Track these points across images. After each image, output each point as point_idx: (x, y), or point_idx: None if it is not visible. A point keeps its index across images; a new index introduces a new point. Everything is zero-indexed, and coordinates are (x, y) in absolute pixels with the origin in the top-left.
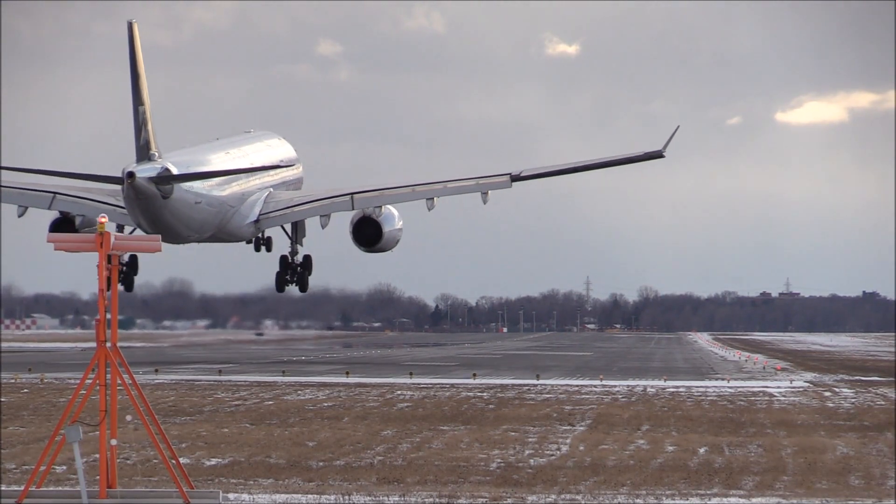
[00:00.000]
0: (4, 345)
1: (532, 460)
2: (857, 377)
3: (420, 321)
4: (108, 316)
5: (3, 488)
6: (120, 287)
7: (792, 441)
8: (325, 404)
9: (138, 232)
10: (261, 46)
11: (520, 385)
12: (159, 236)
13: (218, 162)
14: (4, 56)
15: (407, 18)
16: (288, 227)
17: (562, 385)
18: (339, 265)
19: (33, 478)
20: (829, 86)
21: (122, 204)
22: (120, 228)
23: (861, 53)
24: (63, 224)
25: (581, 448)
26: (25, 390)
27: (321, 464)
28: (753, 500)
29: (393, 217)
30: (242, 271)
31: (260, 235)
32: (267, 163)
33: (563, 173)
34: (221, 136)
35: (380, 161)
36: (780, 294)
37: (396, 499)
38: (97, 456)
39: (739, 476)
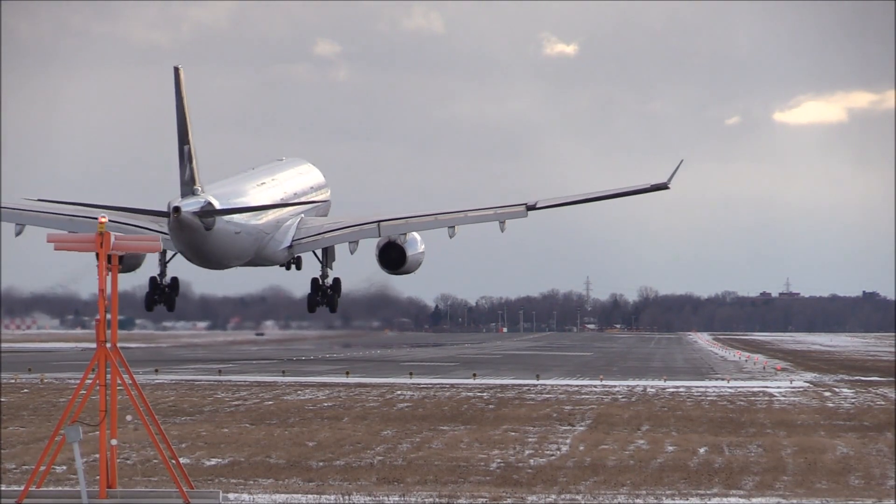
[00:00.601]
0: (4, 345)
1: (532, 460)
2: (857, 377)
3: (420, 321)
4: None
5: (3, 488)
6: (162, 306)
7: (792, 441)
8: (325, 404)
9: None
10: (259, 46)
11: (520, 385)
12: (159, 236)
13: (254, 193)
14: (3, 56)
15: (405, 18)
16: (319, 251)
17: (562, 385)
18: (339, 265)
19: (33, 478)
20: (828, 86)
21: (165, 230)
22: (163, 254)
23: (859, 53)
24: None
25: (581, 448)
26: (25, 390)
27: (321, 464)
28: (753, 500)
29: (416, 241)
30: (243, 272)
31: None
32: (299, 189)
33: (575, 203)
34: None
35: (378, 161)
36: (780, 294)
37: (396, 499)
38: (97, 456)
39: (739, 476)
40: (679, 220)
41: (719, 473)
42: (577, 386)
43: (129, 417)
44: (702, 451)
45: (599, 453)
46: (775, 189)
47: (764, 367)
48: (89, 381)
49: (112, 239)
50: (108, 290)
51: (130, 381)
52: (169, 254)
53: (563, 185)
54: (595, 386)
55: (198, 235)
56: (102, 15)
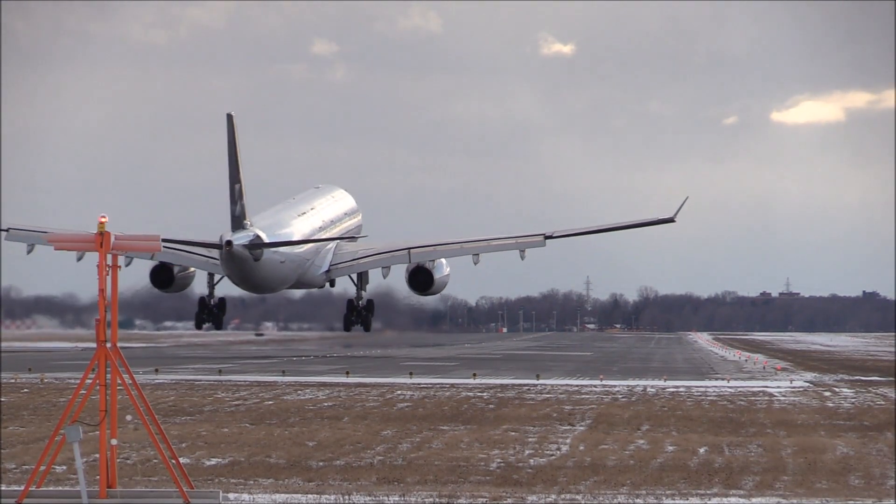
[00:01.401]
0: (4, 345)
1: (532, 460)
2: (857, 377)
3: (420, 322)
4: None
5: (3, 488)
6: (210, 325)
7: (792, 441)
8: (325, 404)
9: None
10: (256, 46)
11: (520, 385)
12: (159, 236)
13: (296, 223)
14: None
15: (403, 18)
16: (354, 275)
17: (562, 385)
18: None
19: (33, 478)
20: (825, 86)
21: (214, 255)
22: (211, 276)
23: (857, 53)
24: (161, 271)
25: (581, 448)
26: (25, 390)
27: (321, 464)
28: (753, 500)
29: (442, 265)
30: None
31: None
32: (334, 215)
33: (590, 233)
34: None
35: (376, 161)
36: (780, 294)
37: (396, 499)
38: (97, 456)
39: (739, 476)
40: (678, 220)
41: (719, 473)
42: (577, 386)
43: (129, 417)
44: (702, 451)
45: (599, 453)
46: (774, 189)
47: (764, 367)
48: (89, 381)
49: (112, 239)
50: (108, 290)
51: (130, 381)
52: (203, 274)
53: (562, 186)
54: (595, 386)
55: (247, 265)
56: (100, 15)
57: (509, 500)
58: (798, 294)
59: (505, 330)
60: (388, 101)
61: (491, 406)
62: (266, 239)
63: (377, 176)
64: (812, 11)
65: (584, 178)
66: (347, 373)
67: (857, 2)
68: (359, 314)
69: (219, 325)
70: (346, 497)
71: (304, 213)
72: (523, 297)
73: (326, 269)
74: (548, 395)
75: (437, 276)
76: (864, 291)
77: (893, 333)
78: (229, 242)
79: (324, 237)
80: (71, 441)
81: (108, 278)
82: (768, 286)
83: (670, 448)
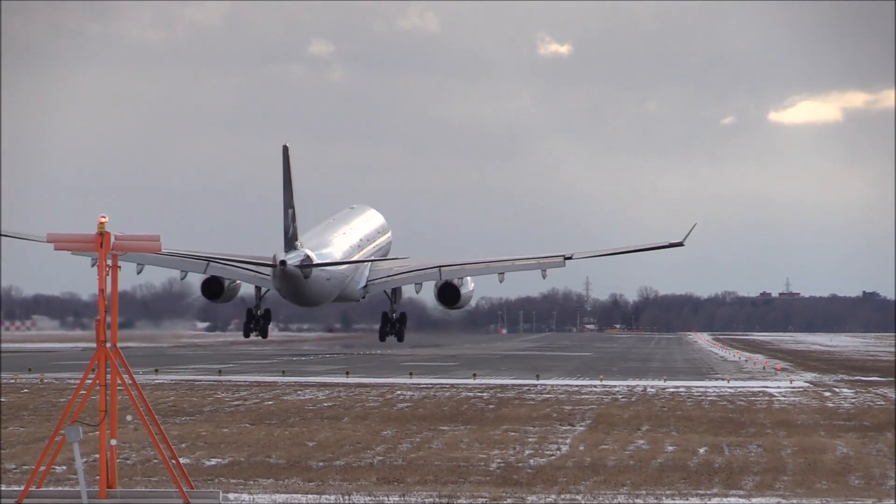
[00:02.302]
0: (4, 345)
1: (532, 460)
2: (857, 377)
3: (420, 322)
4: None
5: (3, 488)
6: (256, 335)
7: (792, 441)
8: (325, 404)
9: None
10: (253, 46)
11: (520, 385)
12: (159, 236)
13: (337, 241)
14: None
15: (400, 18)
16: (388, 290)
17: (562, 385)
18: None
19: (33, 478)
20: (823, 86)
21: (261, 270)
22: (258, 289)
23: (854, 53)
24: (211, 283)
25: (581, 448)
26: (25, 390)
27: (321, 464)
28: (753, 500)
29: (467, 281)
30: None
31: None
32: (368, 233)
33: (607, 255)
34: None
35: (374, 161)
36: (780, 294)
37: (396, 499)
38: (97, 456)
39: (739, 476)
40: (678, 220)
41: (719, 473)
42: (577, 386)
43: (129, 417)
44: (702, 451)
45: (599, 453)
46: (773, 189)
47: (764, 367)
48: (89, 381)
49: (112, 239)
50: (108, 289)
51: (130, 381)
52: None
53: (560, 185)
54: (595, 386)
55: (297, 282)
56: (97, 15)
57: (509, 500)
58: (798, 294)
59: (505, 331)
60: (385, 101)
61: (491, 406)
62: (315, 259)
63: (374, 176)
64: (809, 11)
65: (581, 178)
66: (347, 373)
67: (854, 2)
68: (392, 325)
69: (265, 334)
70: (346, 497)
71: (345, 232)
72: (523, 297)
73: (364, 284)
74: (548, 396)
75: (463, 291)
76: (864, 291)
77: (893, 333)
78: (283, 262)
79: (360, 254)
80: (71, 441)
81: (109, 278)
82: (768, 286)
83: (670, 448)
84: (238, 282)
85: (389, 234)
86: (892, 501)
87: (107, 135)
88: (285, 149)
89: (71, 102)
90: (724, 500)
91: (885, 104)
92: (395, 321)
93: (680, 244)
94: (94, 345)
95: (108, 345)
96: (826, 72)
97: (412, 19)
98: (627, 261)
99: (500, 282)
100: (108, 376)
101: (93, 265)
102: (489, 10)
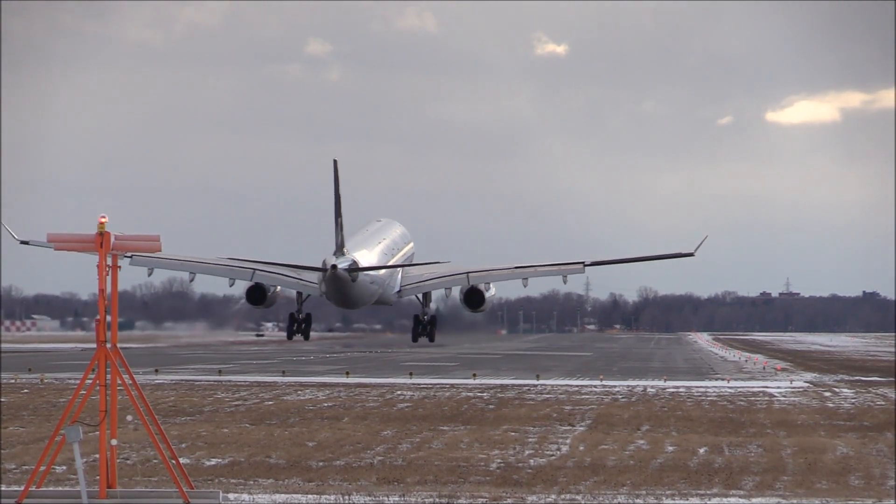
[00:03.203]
0: (4, 345)
1: (532, 460)
2: (857, 377)
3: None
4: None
5: (3, 488)
6: (299, 336)
7: (792, 441)
8: (325, 404)
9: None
10: (251, 46)
11: (520, 385)
12: (159, 235)
13: (377, 250)
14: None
15: (398, 18)
16: (420, 294)
17: (562, 385)
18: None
19: (33, 478)
20: (820, 86)
21: (303, 277)
22: (299, 294)
23: (851, 53)
24: (256, 290)
25: (581, 448)
26: (25, 390)
27: (321, 464)
28: (753, 500)
29: (490, 286)
30: None
31: None
32: (397, 243)
33: (625, 262)
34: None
35: (371, 161)
36: (780, 294)
37: (396, 499)
38: (97, 456)
39: (739, 476)
40: (676, 219)
41: (719, 473)
42: (577, 386)
43: (129, 417)
44: (702, 451)
45: (599, 453)
46: (772, 189)
47: (764, 367)
48: (89, 381)
49: (112, 239)
50: (108, 289)
51: (130, 381)
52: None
53: (562, 186)
54: (595, 386)
55: (345, 285)
56: (95, 15)
57: (509, 500)
58: (798, 294)
59: (504, 332)
60: (383, 101)
61: (491, 406)
62: (361, 264)
63: (372, 176)
64: (807, 11)
65: (579, 178)
66: (347, 373)
67: (851, 2)
68: (424, 327)
69: (306, 337)
70: (346, 497)
71: (380, 242)
72: (523, 297)
73: (398, 289)
74: (548, 396)
75: (487, 295)
76: (864, 291)
77: (893, 333)
78: (334, 266)
79: (392, 262)
80: (71, 441)
81: (108, 278)
82: (768, 286)
83: (670, 448)
84: (279, 288)
85: (412, 245)
86: (892, 501)
87: (106, 135)
88: (335, 163)
89: (70, 102)
90: (724, 500)
91: (883, 104)
92: (426, 323)
93: (690, 254)
94: (93, 345)
95: (109, 345)
96: (823, 72)
97: (410, 19)
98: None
99: (525, 286)
100: (109, 376)
101: (129, 263)
102: (487, 10)
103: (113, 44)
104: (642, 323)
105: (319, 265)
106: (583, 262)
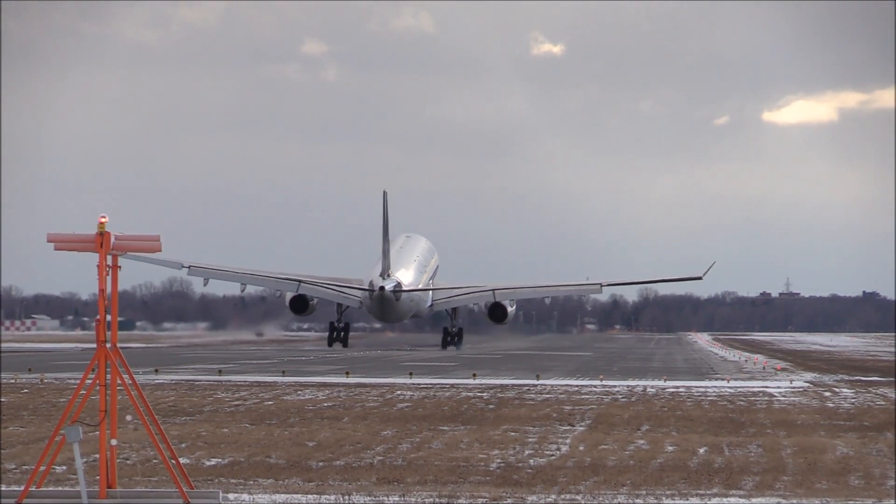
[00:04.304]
0: (4, 345)
1: (532, 460)
2: (857, 377)
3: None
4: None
5: (3, 488)
6: (339, 345)
7: (792, 441)
8: (325, 404)
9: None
10: (248, 46)
11: (520, 385)
12: (159, 235)
13: (412, 268)
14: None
15: (395, 18)
16: (449, 309)
17: (562, 385)
18: (339, 265)
19: (33, 478)
20: (818, 85)
21: (345, 292)
22: (339, 305)
23: (848, 53)
24: (299, 300)
25: (581, 448)
26: (25, 390)
27: (321, 464)
28: (753, 500)
29: (514, 302)
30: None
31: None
32: (426, 259)
33: (639, 284)
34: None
35: (369, 161)
36: (780, 294)
37: (396, 499)
38: (97, 456)
39: (739, 476)
40: (676, 220)
41: (719, 473)
42: (577, 386)
43: (129, 417)
44: (702, 451)
45: (599, 453)
46: (770, 188)
47: (764, 367)
48: (89, 381)
49: (112, 239)
50: (109, 289)
51: (130, 381)
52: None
53: (554, 185)
54: (595, 386)
55: (390, 303)
56: (92, 15)
57: (509, 500)
58: (798, 294)
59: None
60: (379, 101)
61: (491, 406)
62: (404, 286)
63: (370, 176)
64: (804, 11)
65: (576, 178)
66: (347, 373)
67: (848, 2)
68: (453, 337)
69: (345, 344)
70: (346, 497)
71: (414, 259)
72: (523, 297)
73: (430, 303)
74: (548, 396)
75: (509, 310)
76: (864, 291)
77: (893, 333)
78: (382, 288)
79: (425, 277)
80: (71, 441)
81: (108, 278)
82: (768, 286)
83: (670, 448)
84: (316, 299)
85: (437, 256)
86: (892, 501)
87: (105, 135)
88: (385, 194)
89: (70, 102)
90: (724, 500)
91: (880, 104)
92: (454, 334)
93: (698, 278)
94: (93, 345)
95: (109, 345)
96: (820, 72)
97: (406, 19)
98: (627, 261)
99: (547, 303)
100: (108, 376)
101: (186, 273)
102: (483, 9)
103: (110, 44)
104: (642, 323)
105: (365, 285)
106: (600, 283)
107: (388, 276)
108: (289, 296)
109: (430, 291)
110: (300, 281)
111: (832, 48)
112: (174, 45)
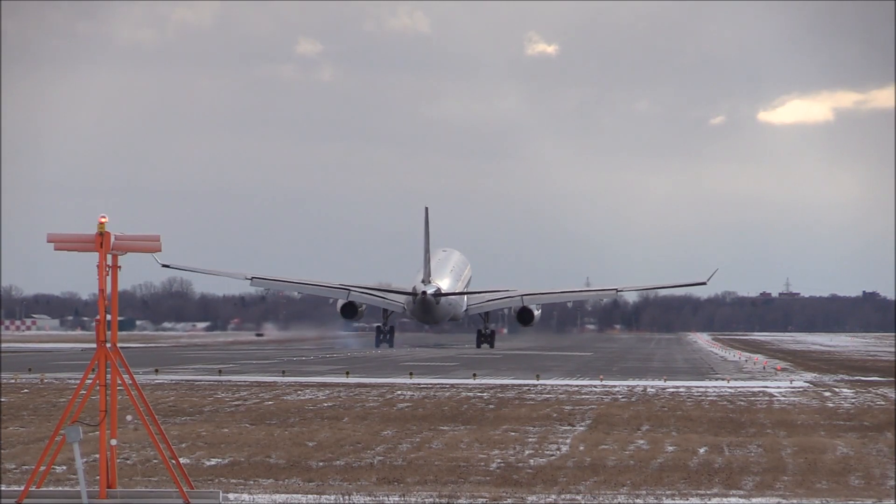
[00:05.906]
0: (4, 345)
1: (532, 460)
2: (857, 377)
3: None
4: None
5: (3, 488)
6: (387, 346)
7: (792, 441)
8: (325, 404)
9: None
10: (243, 46)
11: (520, 385)
12: (159, 235)
13: (449, 276)
14: None
15: (390, 18)
16: (483, 313)
17: (562, 385)
18: (338, 264)
19: (33, 478)
20: (813, 85)
21: (389, 297)
22: (384, 312)
23: (843, 53)
24: (348, 306)
25: (581, 448)
26: (25, 390)
27: (321, 464)
28: (753, 500)
29: (540, 306)
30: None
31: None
32: (461, 270)
33: (651, 289)
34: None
35: (367, 161)
36: (780, 294)
37: (396, 499)
38: (97, 456)
39: (739, 476)
40: (673, 220)
41: (719, 473)
42: (577, 386)
43: (129, 417)
44: (702, 451)
45: (599, 453)
46: (769, 188)
47: (764, 367)
48: (89, 381)
49: (112, 239)
50: (109, 289)
51: (130, 381)
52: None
53: (551, 185)
54: (595, 386)
55: (430, 306)
56: (88, 15)
57: (509, 500)
58: (798, 294)
59: (505, 331)
60: (376, 101)
61: (491, 406)
62: (444, 290)
63: (368, 176)
64: (799, 11)
65: (572, 178)
66: (347, 373)
67: (844, 1)
68: (485, 338)
69: (391, 345)
70: (346, 497)
71: (451, 270)
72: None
73: (465, 308)
74: (548, 395)
75: (535, 313)
76: (864, 291)
77: (893, 333)
78: (424, 293)
79: (460, 285)
80: (71, 441)
81: (108, 278)
82: (768, 286)
83: (670, 448)
84: (364, 305)
85: (469, 266)
86: (892, 501)
87: (102, 134)
88: (426, 210)
89: (64, 102)
90: (724, 500)
91: (875, 104)
92: (487, 335)
93: (703, 283)
94: (93, 345)
95: (109, 345)
96: (816, 71)
97: (402, 19)
98: (627, 262)
99: (570, 307)
100: (109, 376)
101: (249, 284)
102: (478, 9)
103: (105, 44)
104: (642, 323)
105: (409, 290)
106: (616, 289)
107: (429, 282)
108: (340, 303)
109: (466, 296)
110: (349, 289)
111: (827, 48)
112: (169, 45)
